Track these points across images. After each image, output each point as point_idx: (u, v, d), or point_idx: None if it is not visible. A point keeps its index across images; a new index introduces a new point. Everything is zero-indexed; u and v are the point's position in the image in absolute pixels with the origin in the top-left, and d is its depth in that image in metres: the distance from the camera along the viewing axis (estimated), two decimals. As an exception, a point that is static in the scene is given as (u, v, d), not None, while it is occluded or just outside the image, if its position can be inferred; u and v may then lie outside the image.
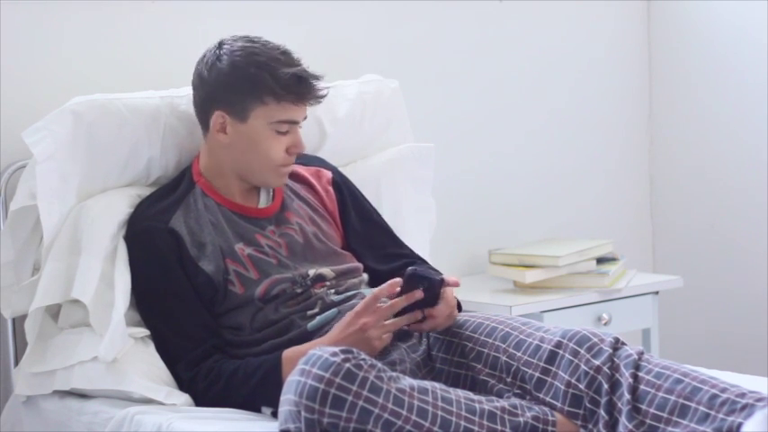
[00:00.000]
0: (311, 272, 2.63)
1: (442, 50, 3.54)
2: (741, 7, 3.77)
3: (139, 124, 2.72)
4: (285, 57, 2.59)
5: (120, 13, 2.95)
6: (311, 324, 2.55)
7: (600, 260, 3.39)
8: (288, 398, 2.15)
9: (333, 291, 2.63)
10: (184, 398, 2.50)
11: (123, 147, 2.71)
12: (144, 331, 2.59)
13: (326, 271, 2.65)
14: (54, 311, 2.69)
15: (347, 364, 2.13)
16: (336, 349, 2.17)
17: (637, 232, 3.99)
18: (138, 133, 2.72)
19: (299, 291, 2.60)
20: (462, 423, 2.18)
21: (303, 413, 2.11)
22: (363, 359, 2.16)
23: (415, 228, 3.06)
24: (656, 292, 3.47)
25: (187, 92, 2.75)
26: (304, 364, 2.15)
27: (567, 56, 3.80)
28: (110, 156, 2.70)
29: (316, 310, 2.58)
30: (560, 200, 3.78)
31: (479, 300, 3.24)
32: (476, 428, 2.19)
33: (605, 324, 3.32)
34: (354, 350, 2.18)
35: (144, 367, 2.52)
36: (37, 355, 2.63)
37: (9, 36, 2.80)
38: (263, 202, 2.70)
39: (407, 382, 2.19)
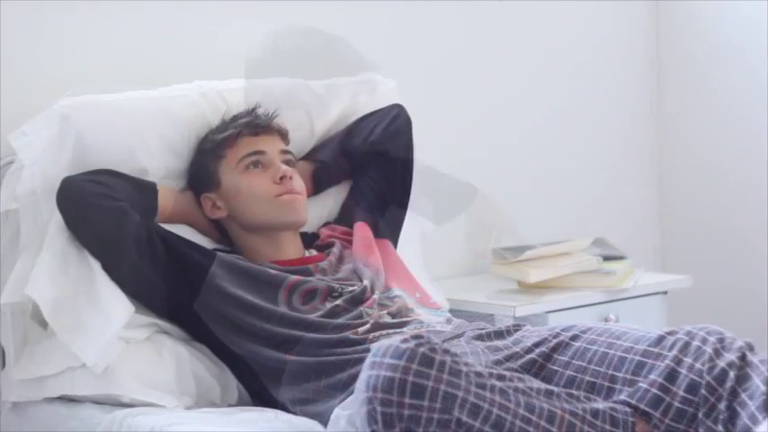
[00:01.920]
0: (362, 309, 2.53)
1: (442, 50, 3.52)
2: (750, 4, 3.76)
3: (129, 127, 2.65)
4: (222, 119, 2.70)
5: (121, 13, 2.93)
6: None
7: (606, 259, 3.34)
8: (360, 398, 1.97)
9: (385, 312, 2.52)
10: (184, 400, 2.48)
11: (113, 150, 2.63)
12: (144, 333, 2.54)
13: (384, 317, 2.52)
14: (41, 317, 2.58)
15: (421, 349, 1.96)
16: (406, 335, 2.01)
17: (645, 230, 3.97)
18: (127, 136, 2.64)
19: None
20: (545, 405, 2.03)
21: (379, 408, 1.93)
22: (436, 343, 1.99)
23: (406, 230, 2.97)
24: (665, 292, 3.42)
25: (177, 92, 2.75)
26: (372, 357, 1.98)
27: (573, 54, 3.79)
28: (99, 160, 2.61)
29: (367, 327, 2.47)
30: (567, 198, 3.76)
31: (482, 300, 3.19)
32: (558, 411, 2.03)
33: (611, 325, 3.28)
34: (425, 335, 2.04)
35: (140, 369, 2.49)
36: (24, 361, 2.58)
37: (5, 35, 2.76)
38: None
39: (477, 366, 2.04)
